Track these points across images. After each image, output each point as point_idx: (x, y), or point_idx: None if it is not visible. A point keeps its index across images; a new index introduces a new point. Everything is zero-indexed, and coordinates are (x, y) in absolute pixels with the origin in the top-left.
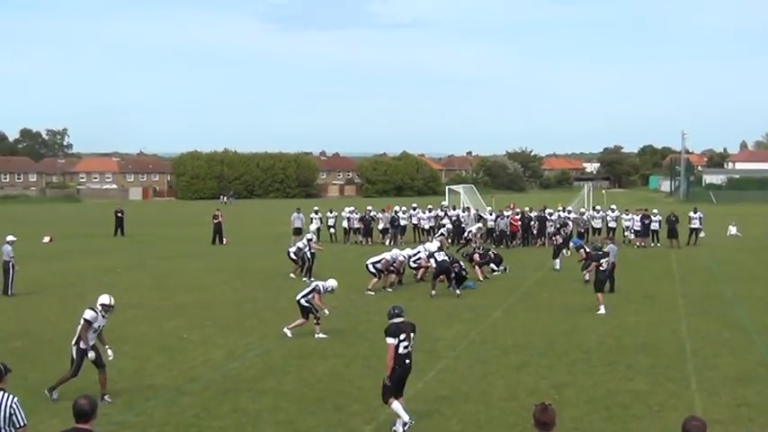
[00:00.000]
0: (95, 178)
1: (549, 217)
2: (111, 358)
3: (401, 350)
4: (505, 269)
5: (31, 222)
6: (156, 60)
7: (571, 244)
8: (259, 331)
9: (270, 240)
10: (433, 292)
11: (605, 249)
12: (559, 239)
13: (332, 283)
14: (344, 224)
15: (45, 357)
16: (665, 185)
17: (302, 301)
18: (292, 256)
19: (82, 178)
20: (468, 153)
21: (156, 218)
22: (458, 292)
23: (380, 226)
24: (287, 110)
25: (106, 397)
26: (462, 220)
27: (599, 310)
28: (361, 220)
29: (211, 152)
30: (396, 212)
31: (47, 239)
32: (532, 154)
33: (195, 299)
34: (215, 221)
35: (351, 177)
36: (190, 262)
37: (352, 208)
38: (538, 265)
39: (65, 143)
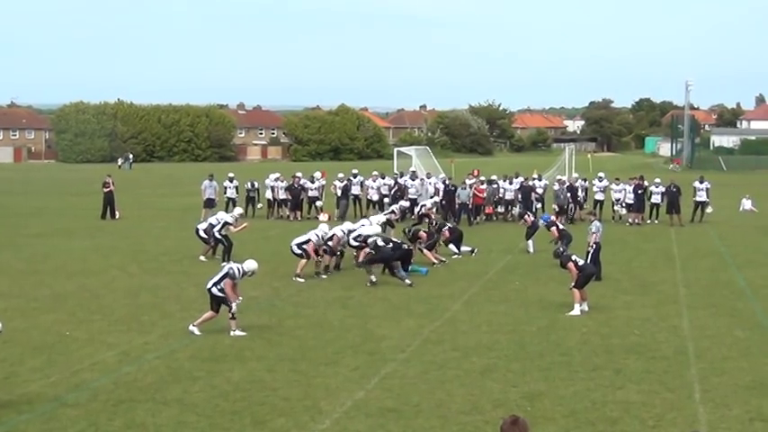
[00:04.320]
0: None
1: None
2: None
3: None
4: (472, 251)
5: None
6: None
7: (540, 221)
8: (160, 328)
9: (174, 214)
10: (373, 278)
11: (589, 227)
12: (530, 218)
13: (250, 265)
14: (268, 195)
15: None
16: (665, 149)
17: (214, 290)
18: (202, 234)
19: None
20: (421, 107)
21: (31, 185)
22: (407, 281)
23: (312, 194)
24: (195, 51)
25: None
26: (413, 188)
27: (573, 310)
28: (288, 189)
29: (101, 104)
30: (349, 180)
31: None
32: (501, 109)
33: (80, 287)
34: (105, 190)
35: (276, 136)
36: (73, 241)
37: (277, 174)
38: (507, 246)
39: None
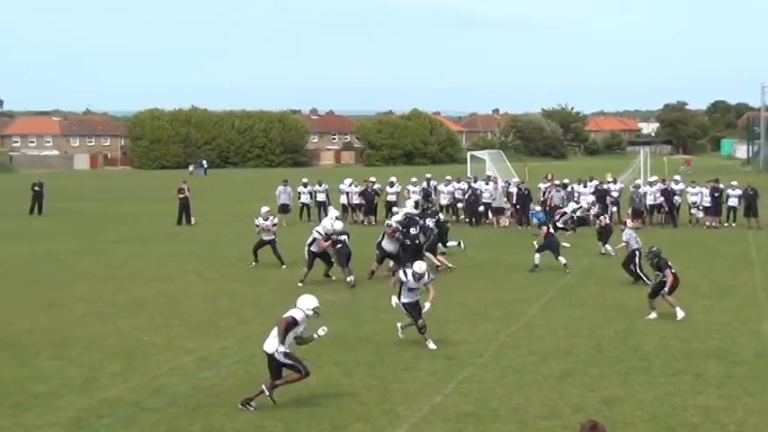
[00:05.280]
0: (32, 142)
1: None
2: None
3: None
4: (459, 244)
5: None
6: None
7: (534, 219)
8: (238, 333)
9: (250, 220)
10: (350, 279)
11: (621, 236)
12: (605, 219)
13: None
14: (343, 200)
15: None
16: (741, 151)
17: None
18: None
19: (15, 142)
20: (494, 111)
21: (108, 191)
22: (349, 279)
23: (390, 199)
24: (269, 57)
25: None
26: (487, 192)
27: (650, 314)
28: (361, 194)
29: (175, 110)
30: (428, 183)
31: None
32: (575, 112)
33: (158, 292)
34: (181, 196)
35: (349, 141)
36: (150, 246)
37: (351, 180)
38: (584, 250)
39: None
